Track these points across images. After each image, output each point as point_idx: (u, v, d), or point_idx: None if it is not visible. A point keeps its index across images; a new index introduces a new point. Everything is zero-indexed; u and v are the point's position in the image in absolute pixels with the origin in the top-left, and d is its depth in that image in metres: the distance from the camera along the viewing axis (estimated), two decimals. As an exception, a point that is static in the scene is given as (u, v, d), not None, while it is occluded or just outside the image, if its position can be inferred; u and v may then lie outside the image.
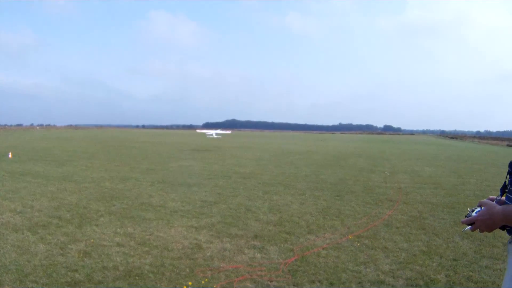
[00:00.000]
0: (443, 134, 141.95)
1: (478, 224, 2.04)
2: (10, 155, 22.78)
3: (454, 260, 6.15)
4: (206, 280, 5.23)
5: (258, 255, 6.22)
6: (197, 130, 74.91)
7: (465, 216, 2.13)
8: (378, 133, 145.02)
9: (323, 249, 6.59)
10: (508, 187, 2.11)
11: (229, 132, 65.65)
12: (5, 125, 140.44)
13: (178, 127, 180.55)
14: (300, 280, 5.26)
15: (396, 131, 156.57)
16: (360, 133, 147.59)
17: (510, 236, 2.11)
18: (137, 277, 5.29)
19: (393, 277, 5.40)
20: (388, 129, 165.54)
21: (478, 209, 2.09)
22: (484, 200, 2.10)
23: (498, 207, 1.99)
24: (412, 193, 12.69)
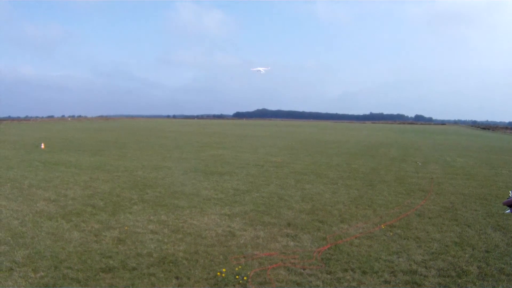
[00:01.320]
0: (474, 124, 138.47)
1: None
2: (42, 146, 23.37)
3: (487, 252, 6.16)
4: (239, 267, 5.37)
5: (291, 243, 6.37)
6: (251, 69, 75.53)
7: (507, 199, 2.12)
8: (409, 123, 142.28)
9: (356, 238, 6.69)
10: None
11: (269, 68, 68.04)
12: (37, 117, 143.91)
13: (208, 116, 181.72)
14: (333, 268, 5.39)
15: (428, 121, 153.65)
16: (391, 123, 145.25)
17: None
18: (171, 264, 5.46)
19: (426, 268, 5.48)
20: (419, 119, 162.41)
21: None
22: None
23: None
24: (444, 184, 12.59)
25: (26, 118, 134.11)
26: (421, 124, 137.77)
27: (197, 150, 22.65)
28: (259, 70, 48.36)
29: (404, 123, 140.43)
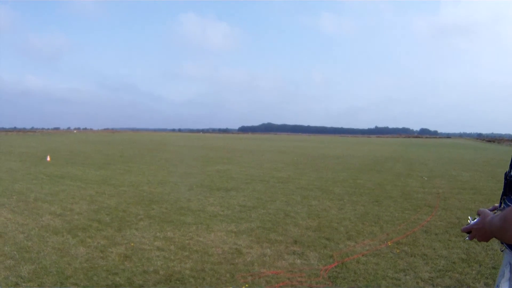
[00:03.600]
0: (480, 137, 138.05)
1: (474, 233, 2.08)
2: (48, 158, 23.58)
3: (493, 268, 6.15)
4: (246, 285, 5.39)
5: (298, 261, 6.39)
6: None
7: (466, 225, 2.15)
8: (415, 137, 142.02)
9: (362, 255, 6.70)
10: (504, 196, 2.11)
11: None
12: (43, 128, 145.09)
13: (214, 130, 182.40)
14: (340, 286, 5.41)
15: (433, 134, 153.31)
16: (396, 137, 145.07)
17: (502, 245, 2.06)
18: (177, 281, 5.48)
19: (433, 285, 5.48)
20: (424, 132, 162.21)
21: (477, 218, 2.10)
22: (482, 208, 2.12)
23: (490, 217, 1.99)
24: (450, 199, 12.57)
25: (32, 130, 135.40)
26: (426, 137, 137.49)
27: (203, 164, 22.74)
28: None
29: (409, 137, 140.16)
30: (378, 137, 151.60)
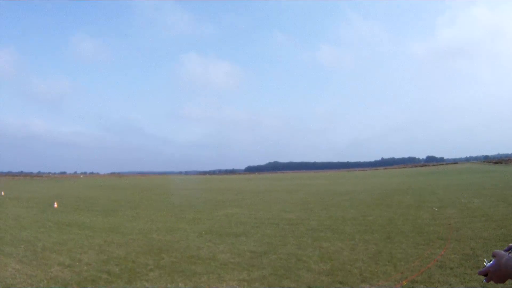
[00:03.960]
0: (486, 159, 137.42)
1: (490, 276, 2.08)
2: (55, 205, 23.63)
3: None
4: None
5: (314, 307, 6.29)
6: None
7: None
8: (422, 165, 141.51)
9: (378, 297, 6.60)
10: None
11: None
12: (49, 173, 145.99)
13: (220, 172, 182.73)
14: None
15: (439, 161, 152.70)
16: (403, 167, 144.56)
17: None
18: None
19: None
20: (431, 160, 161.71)
21: (493, 260, 2.10)
22: (496, 250, 2.12)
23: (505, 258, 2.01)
24: (462, 229, 12.43)
25: (39, 174, 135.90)
26: (433, 165, 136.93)
27: (211, 209, 22.63)
28: None
29: (416, 166, 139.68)
30: (385, 169, 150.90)
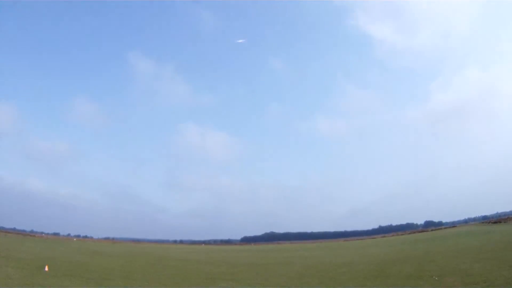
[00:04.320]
0: (485, 219, 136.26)
1: None
2: (46, 268, 22.81)
3: None
4: None
5: None
6: None
7: None
8: (420, 231, 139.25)
9: None
10: None
11: None
12: (42, 232, 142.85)
13: (216, 241, 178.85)
14: None
15: (438, 225, 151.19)
16: (401, 234, 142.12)
17: None
18: None
19: None
20: (429, 225, 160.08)
21: None
22: None
23: None
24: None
25: (32, 233, 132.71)
26: (432, 230, 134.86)
27: (206, 282, 21.82)
28: None
29: (414, 232, 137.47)
30: (383, 237, 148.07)
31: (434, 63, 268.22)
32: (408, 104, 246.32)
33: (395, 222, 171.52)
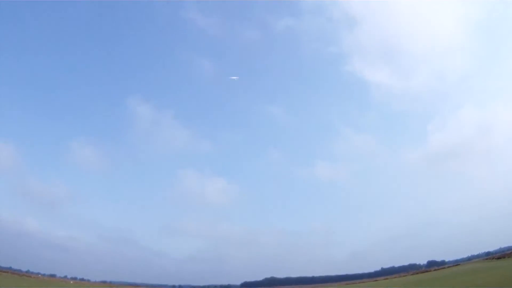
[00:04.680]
0: (489, 256, 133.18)
1: None
2: None
3: None
4: None
5: None
6: None
7: None
8: (423, 271, 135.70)
9: None
10: None
11: None
12: (38, 273, 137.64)
13: (215, 287, 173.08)
14: None
15: (441, 264, 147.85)
16: (404, 275, 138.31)
17: None
18: None
19: None
20: (432, 264, 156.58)
21: None
22: None
23: None
24: None
25: (27, 273, 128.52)
26: (435, 270, 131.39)
27: None
28: None
29: (417, 273, 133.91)
30: (385, 279, 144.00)
31: (430, 104, 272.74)
32: (407, 146, 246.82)
33: (398, 263, 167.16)
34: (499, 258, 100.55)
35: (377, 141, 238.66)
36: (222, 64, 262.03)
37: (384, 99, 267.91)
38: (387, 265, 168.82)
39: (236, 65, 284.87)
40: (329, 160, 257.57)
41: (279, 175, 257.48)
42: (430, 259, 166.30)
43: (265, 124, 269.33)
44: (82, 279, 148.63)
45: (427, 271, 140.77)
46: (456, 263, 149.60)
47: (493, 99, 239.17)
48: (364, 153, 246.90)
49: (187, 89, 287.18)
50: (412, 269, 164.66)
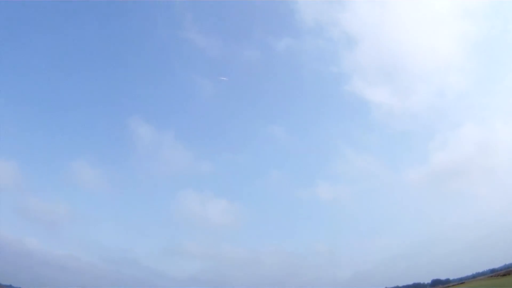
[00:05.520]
0: (493, 273, 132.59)
1: None
2: None
3: None
4: None
5: None
6: None
7: None
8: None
9: None
10: None
11: None
12: None
13: None
14: None
15: (445, 283, 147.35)
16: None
17: None
18: None
19: None
20: (436, 283, 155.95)
21: None
22: None
23: None
24: None
25: None
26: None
27: None
28: None
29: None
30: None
31: (431, 123, 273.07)
32: (408, 164, 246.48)
33: (402, 283, 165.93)
34: (504, 275, 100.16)
35: (378, 160, 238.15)
36: (222, 84, 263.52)
37: (384, 118, 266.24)
38: (391, 284, 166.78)
39: (236, 85, 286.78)
40: (331, 180, 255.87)
41: (280, 195, 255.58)
42: (435, 277, 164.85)
43: (266, 144, 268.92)
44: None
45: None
46: (461, 281, 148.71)
47: (493, 116, 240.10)
48: (366, 172, 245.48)
49: (188, 109, 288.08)
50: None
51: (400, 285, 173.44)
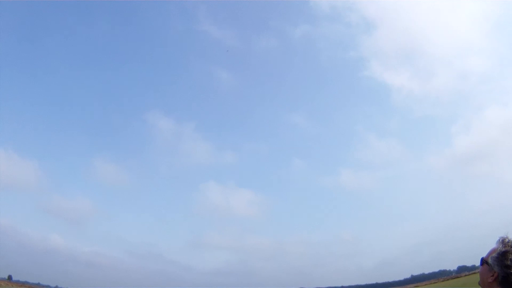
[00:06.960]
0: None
1: None
2: None
3: None
4: None
5: None
6: None
7: None
8: (454, 277, 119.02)
9: None
10: None
11: None
12: None
13: None
14: None
15: (471, 269, 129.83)
16: (434, 282, 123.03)
17: None
18: None
19: None
20: (462, 270, 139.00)
21: None
22: None
23: None
24: None
25: None
26: (466, 275, 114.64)
27: None
28: None
29: (447, 279, 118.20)
30: (416, 286, 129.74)
31: (453, 106, 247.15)
32: (431, 149, 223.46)
33: (428, 270, 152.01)
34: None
35: (400, 145, 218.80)
36: (240, 74, 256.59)
37: (405, 102, 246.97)
38: (416, 272, 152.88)
39: (255, 74, 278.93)
40: (353, 166, 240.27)
41: (304, 184, 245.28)
42: (460, 264, 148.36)
43: (287, 133, 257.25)
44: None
45: (457, 277, 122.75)
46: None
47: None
48: (388, 158, 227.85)
49: (207, 100, 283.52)
50: (442, 275, 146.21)
51: (426, 272, 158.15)
